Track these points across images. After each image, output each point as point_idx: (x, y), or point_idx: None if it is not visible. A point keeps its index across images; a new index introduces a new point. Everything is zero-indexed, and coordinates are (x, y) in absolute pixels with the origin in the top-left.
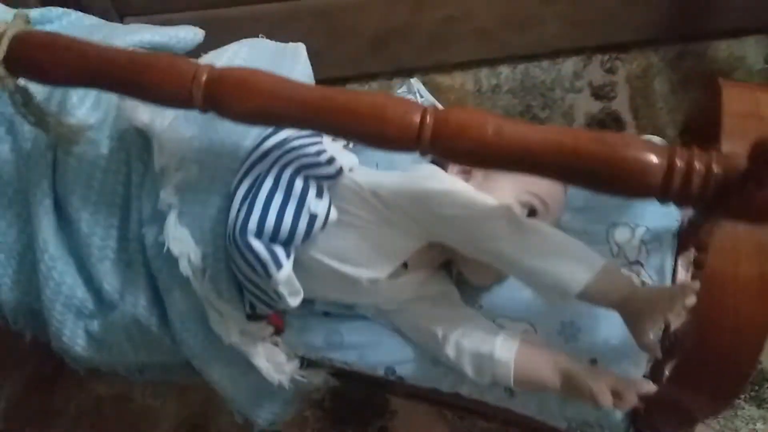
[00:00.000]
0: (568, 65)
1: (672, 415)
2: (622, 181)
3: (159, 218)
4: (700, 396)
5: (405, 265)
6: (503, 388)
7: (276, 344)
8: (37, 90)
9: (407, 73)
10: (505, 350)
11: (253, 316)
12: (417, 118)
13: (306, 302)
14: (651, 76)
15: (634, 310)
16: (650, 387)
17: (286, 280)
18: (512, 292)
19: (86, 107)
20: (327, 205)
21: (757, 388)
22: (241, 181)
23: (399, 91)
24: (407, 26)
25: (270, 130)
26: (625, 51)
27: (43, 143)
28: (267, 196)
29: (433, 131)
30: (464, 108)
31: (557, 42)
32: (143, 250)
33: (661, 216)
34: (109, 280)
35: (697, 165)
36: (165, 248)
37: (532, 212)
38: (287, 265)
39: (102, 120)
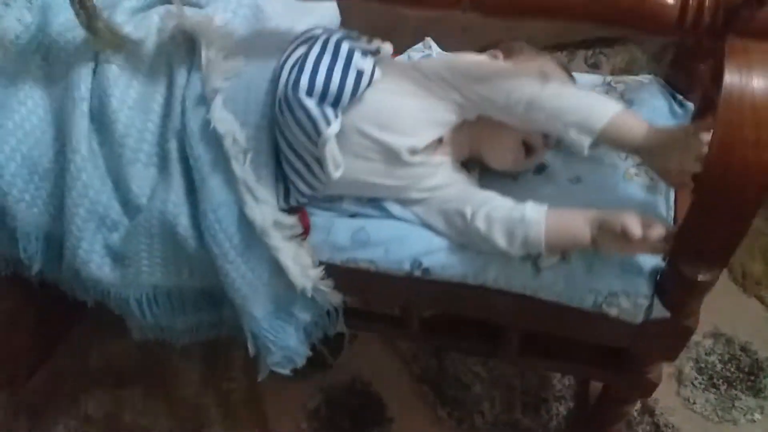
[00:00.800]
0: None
1: (694, 254)
2: (641, 20)
3: (204, 104)
4: (722, 217)
5: (440, 141)
6: (531, 264)
7: (302, 247)
8: None
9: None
10: (534, 212)
11: (285, 211)
12: None
13: (335, 201)
14: (635, 71)
15: (656, 148)
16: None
17: (332, 142)
18: (532, 189)
19: (129, 27)
20: (372, 64)
21: (753, 377)
22: (289, 56)
23: (415, 47)
24: (396, 21)
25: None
26: (608, 46)
27: (83, 55)
28: (316, 58)
29: None
30: None
31: (541, 39)
32: (182, 145)
33: None
34: (138, 182)
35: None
36: (210, 127)
37: (529, 148)
38: (336, 123)
39: (143, 39)
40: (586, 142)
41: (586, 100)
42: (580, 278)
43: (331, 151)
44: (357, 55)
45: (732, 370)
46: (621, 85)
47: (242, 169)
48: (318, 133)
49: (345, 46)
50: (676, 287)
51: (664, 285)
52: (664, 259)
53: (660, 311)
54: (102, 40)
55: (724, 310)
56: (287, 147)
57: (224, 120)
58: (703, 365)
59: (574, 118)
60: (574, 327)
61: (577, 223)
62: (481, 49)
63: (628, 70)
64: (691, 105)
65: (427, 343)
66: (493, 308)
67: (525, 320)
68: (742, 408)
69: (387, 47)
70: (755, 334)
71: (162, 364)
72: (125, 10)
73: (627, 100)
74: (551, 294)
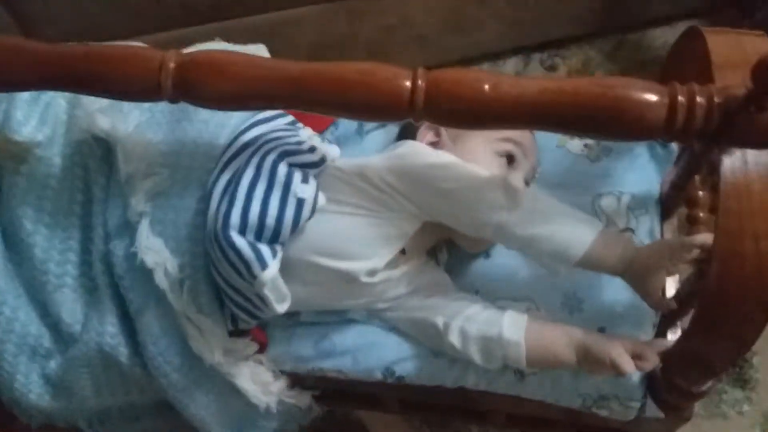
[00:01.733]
0: (509, 66)
1: (691, 369)
2: (626, 124)
3: (128, 230)
4: (725, 333)
5: (402, 252)
6: (513, 371)
7: (260, 363)
8: None
9: None
10: (513, 329)
11: (235, 333)
12: (408, 83)
13: (291, 314)
14: (591, 70)
15: (638, 270)
16: (667, 343)
17: (272, 282)
18: (508, 274)
19: (32, 124)
20: (314, 190)
21: (738, 369)
22: (218, 177)
23: None
24: (346, 38)
25: (244, 126)
26: (563, 47)
27: None
28: (249, 186)
29: (426, 94)
30: (454, 68)
31: (497, 43)
32: (109, 269)
33: (643, 181)
34: (68, 310)
35: (699, 99)
36: (138, 260)
37: (510, 158)
38: (273, 265)
39: (50, 137)
40: (561, 271)
41: (560, 226)
42: (567, 383)
43: (273, 289)
44: (296, 180)
45: None
46: None
47: (179, 301)
48: (253, 276)
49: (282, 170)
50: (670, 396)
51: (657, 389)
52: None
53: (653, 411)
54: (1, 153)
55: None
56: (223, 282)
57: (153, 249)
58: None
59: (548, 247)
60: (564, 416)
61: (560, 345)
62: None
63: (584, 70)
64: (673, 146)
65: (408, 416)
66: (476, 402)
67: (510, 410)
68: (730, 401)
69: (333, 152)
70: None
71: None
72: (24, 102)
73: (604, 146)
74: (537, 396)
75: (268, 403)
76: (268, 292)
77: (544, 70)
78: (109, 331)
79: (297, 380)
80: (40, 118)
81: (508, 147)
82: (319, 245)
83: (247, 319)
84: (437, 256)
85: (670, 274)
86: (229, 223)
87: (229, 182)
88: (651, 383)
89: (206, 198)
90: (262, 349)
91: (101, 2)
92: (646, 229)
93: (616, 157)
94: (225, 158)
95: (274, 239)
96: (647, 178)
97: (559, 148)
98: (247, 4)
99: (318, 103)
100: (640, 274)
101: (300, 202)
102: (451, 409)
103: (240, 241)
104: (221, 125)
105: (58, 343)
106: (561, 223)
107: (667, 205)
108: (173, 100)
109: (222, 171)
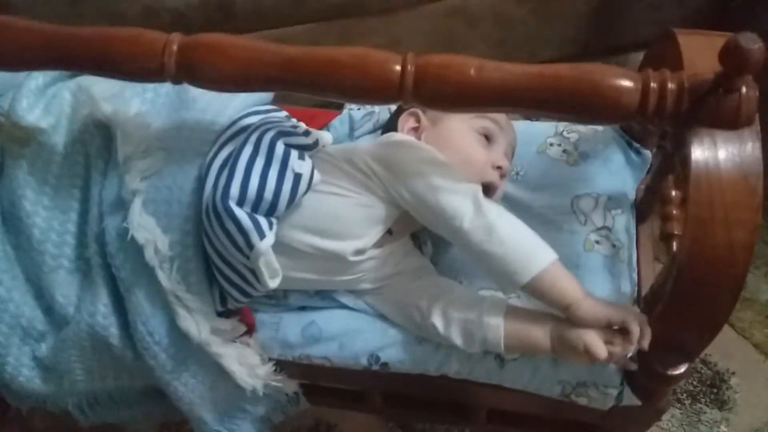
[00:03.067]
0: None
1: (665, 352)
2: (601, 107)
3: (122, 208)
4: (697, 318)
5: (390, 232)
6: (494, 358)
7: (248, 345)
8: None
9: (334, 107)
10: (493, 313)
11: (223, 313)
12: (398, 67)
13: (280, 297)
14: None
15: (579, 316)
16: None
17: (267, 254)
18: None
19: (36, 113)
20: (310, 167)
21: (716, 390)
22: (216, 154)
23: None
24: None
25: (242, 113)
26: None
27: None
28: (248, 161)
29: (415, 78)
30: (441, 53)
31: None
32: (102, 249)
33: (619, 185)
34: (63, 291)
35: (670, 84)
36: (129, 236)
37: (487, 135)
38: (270, 236)
39: (54, 125)
40: (509, 290)
41: (514, 249)
42: (546, 370)
43: (267, 262)
44: (293, 157)
45: (695, 383)
46: (574, 135)
47: (169, 279)
48: (250, 246)
49: (280, 147)
50: (647, 380)
51: (634, 376)
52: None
53: (630, 398)
54: (6, 135)
55: None
56: (217, 256)
57: (144, 227)
58: None
59: (497, 267)
60: (543, 409)
61: (537, 330)
62: (400, 108)
63: None
64: (648, 153)
65: (392, 417)
66: (458, 393)
67: (491, 402)
68: (708, 422)
69: (326, 137)
70: (713, 346)
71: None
72: (30, 91)
73: (581, 152)
74: (517, 384)
75: (255, 386)
76: (262, 265)
77: None
78: (101, 311)
79: (284, 369)
80: (45, 108)
81: (485, 123)
82: (310, 223)
83: (237, 297)
84: (422, 248)
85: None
86: (228, 194)
87: (227, 158)
88: (628, 375)
89: (203, 175)
90: (250, 332)
91: None
92: (622, 226)
93: (592, 162)
94: (222, 139)
95: (270, 212)
96: (622, 182)
97: (539, 153)
98: (239, 23)
99: (313, 84)
100: (579, 317)
101: (297, 177)
102: (434, 406)
103: (239, 212)
104: (218, 114)
105: (51, 326)
106: (516, 246)
107: (641, 209)
108: (176, 81)
109: (220, 149)
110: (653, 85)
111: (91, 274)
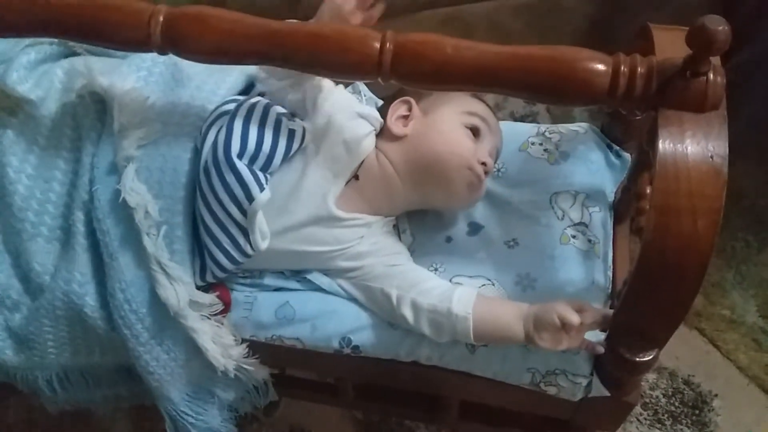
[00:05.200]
0: (489, 97)
1: (633, 337)
2: (573, 88)
3: (115, 174)
4: (663, 297)
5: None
6: (464, 345)
7: (222, 325)
8: None
9: None
10: (462, 304)
11: (202, 289)
12: (377, 43)
13: (256, 277)
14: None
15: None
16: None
17: (262, 210)
18: (467, 254)
19: (26, 86)
20: (302, 125)
21: (698, 412)
22: (214, 120)
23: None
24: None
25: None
26: None
27: None
28: (245, 120)
29: (393, 55)
30: (419, 32)
31: None
32: (89, 216)
33: (597, 184)
34: (40, 259)
35: (640, 68)
36: (120, 199)
37: (475, 132)
38: (267, 189)
39: (42, 98)
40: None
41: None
42: (516, 357)
43: (260, 220)
44: (286, 117)
45: (676, 404)
46: (556, 136)
47: (154, 244)
48: (250, 198)
49: (273, 110)
50: (615, 367)
51: (602, 364)
52: (602, 331)
53: (599, 389)
54: None
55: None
56: (210, 217)
57: (136, 191)
58: (647, 400)
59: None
60: (513, 401)
61: (508, 319)
62: (393, 97)
63: None
64: (627, 156)
65: (362, 410)
66: (429, 382)
67: (462, 393)
68: None
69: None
70: (697, 367)
71: (88, 418)
72: (22, 65)
73: (562, 152)
74: (487, 372)
75: (227, 367)
76: (257, 221)
77: (524, 103)
78: (77, 279)
79: (255, 353)
80: (35, 82)
81: (475, 121)
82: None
83: (223, 264)
84: (401, 236)
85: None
86: (230, 147)
87: (223, 119)
88: (597, 358)
89: (199, 142)
90: (226, 310)
91: None
92: (599, 223)
93: (573, 161)
94: (219, 111)
95: (266, 167)
96: (601, 182)
97: (521, 151)
98: None
99: (293, 58)
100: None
101: (291, 132)
102: (405, 399)
103: (240, 164)
104: (213, 92)
105: (27, 295)
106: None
107: (619, 210)
108: (161, 51)
109: (217, 117)
110: (623, 68)
111: (70, 242)
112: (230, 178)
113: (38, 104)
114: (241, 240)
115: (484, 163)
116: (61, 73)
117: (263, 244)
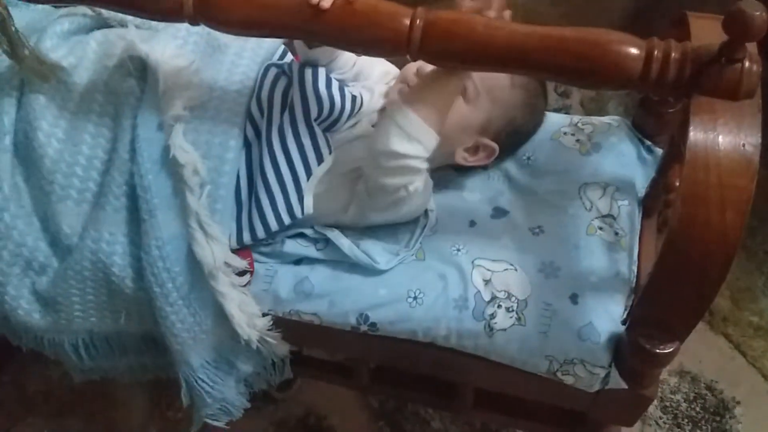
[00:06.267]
0: None
1: (653, 327)
2: (605, 71)
3: (160, 135)
4: (686, 289)
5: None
6: (482, 327)
7: (247, 294)
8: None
9: None
10: (400, 112)
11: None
12: (407, 21)
13: (277, 244)
14: (605, 99)
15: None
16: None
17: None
18: (491, 239)
19: (60, 53)
20: (360, 92)
21: (719, 418)
22: (273, 86)
23: None
24: None
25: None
26: None
27: (7, 84)
28: (314, 85)
29: (423, 33)
30: (451, 10)
31: None
32: (125, 176)
33: (628, 178)
34: (70, 221)
35: (674, 54)
36: (171, 155)
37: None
38: (334, 153)
39: (74, 66)
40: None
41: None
42: (535, 343)
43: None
44: (344, 84)
45: (697, 409)
46: (588, 127)
47: (197, 202)
48: (320, 159)
49: (330, 76)
50: (634, 359)
51: (621, 355)
52: (623, 323)
53: (617, 381)
54: (28, 67)
55: (689, 347)
56: (274, 175)
57: (185, 149)
58: (667, 404)
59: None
60: (529, 389)
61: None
62: None
63: (598, 98)
64: (659, 150)
65: (377, 393)
66: (444, 366)
67: (478, 379)
68: None
69: None
70: (721, 373)
71: (105, 391)
72: (56, 34)
73: (594, 143)
74: (504, 357)
75: (250, 336)
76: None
77: (557, 96)
78: (106, 238)
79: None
80: (68, 50)
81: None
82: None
83: (270, 224)
84: (429, 214)
85: None
86: (309, 112)
87: (285, 83)
88: (617, 348)
89: (263, 105)
90: (250, 280)
91: None
92: (627, 217)
93: (604, 153)
94: (273, 73)
95: (331, 128)
96: (632, 176)
97: (552, 140)
98: None
99: (323, 33)
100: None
101: (353, 99)
102: (420, 384)
103: (318, 129)
104: (252, 59)
105: (54, 257)
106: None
107: (648, 205)
108: (193, 22)
109: (275, 79)
110: (657, 53)
111: (100, 203)
112: (306, 141)
113: (70, 71)
114: (294, 201)
115: None
116: (94, 43)
117: (311, 209)
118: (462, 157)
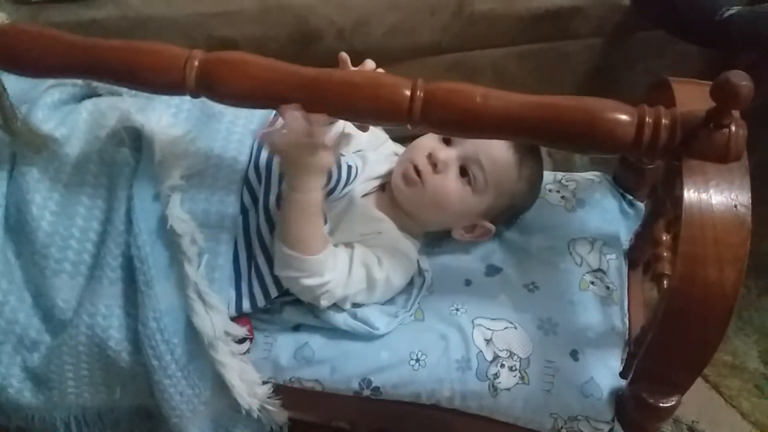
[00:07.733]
0: None
1: (655, 382)
2: (598, 138)
3: (156, 205)
4: (688, 345)
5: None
6: (486, 386)
7: (247, 362)
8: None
9: None
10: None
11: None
12: (408, 91)
13: (275, 312)
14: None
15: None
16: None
17: None
18: (489, 298)
19: (51, 125)
20: (356, 163)
21: None
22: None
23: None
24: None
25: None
26: None
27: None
28: None
29: (423, 103)
30: (450, 81)
31: None
32: (121, 248)
33: (612, 232)
34: (64, 295)
35: (664, 120)
36: (168, 226)
37: (464, 171)
38: (328, 223)
39: (67, 137)
40: None
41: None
42: (539, 401)
43: None
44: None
45: None
46: (572, 183)
47: (196, 272)
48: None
49: None
50: (637, 413)
51: (624, 410)
52: (622, 376)
53: None
54: (21, 140)
55: None
56: (270, 233)
57: (183, 219)
58: None
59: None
60: None
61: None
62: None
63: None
64: (641, 205)
65: None
66: (448, 428)
67: None
68: None
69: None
70: (701, 413)
71: None
72: (46, 105)
73: (579, 199)
74: (509, 417)
75: (252, 406)
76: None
77: None
78: (102, 312)
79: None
80: (60, 120)
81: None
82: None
83: (271, 291)
84: (424, 276)
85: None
86: None
87: None
88: (619, 402)
89: (261, 171)
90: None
91: None
92: (615, 270)
93: (589, 209)
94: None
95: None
96: (616, 230)
97: (539, 199)
98: None
99: (327, 105)
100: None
101: (349, 169)
102: None
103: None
104: (246, 127)
105: (47, 333)
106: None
107: (632, 257)
108: (195, 95)
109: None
110: (648, 119)
111: (95, 276)
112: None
113: (63, 142)
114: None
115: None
116: (85, 113)
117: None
118: (459, 234)
